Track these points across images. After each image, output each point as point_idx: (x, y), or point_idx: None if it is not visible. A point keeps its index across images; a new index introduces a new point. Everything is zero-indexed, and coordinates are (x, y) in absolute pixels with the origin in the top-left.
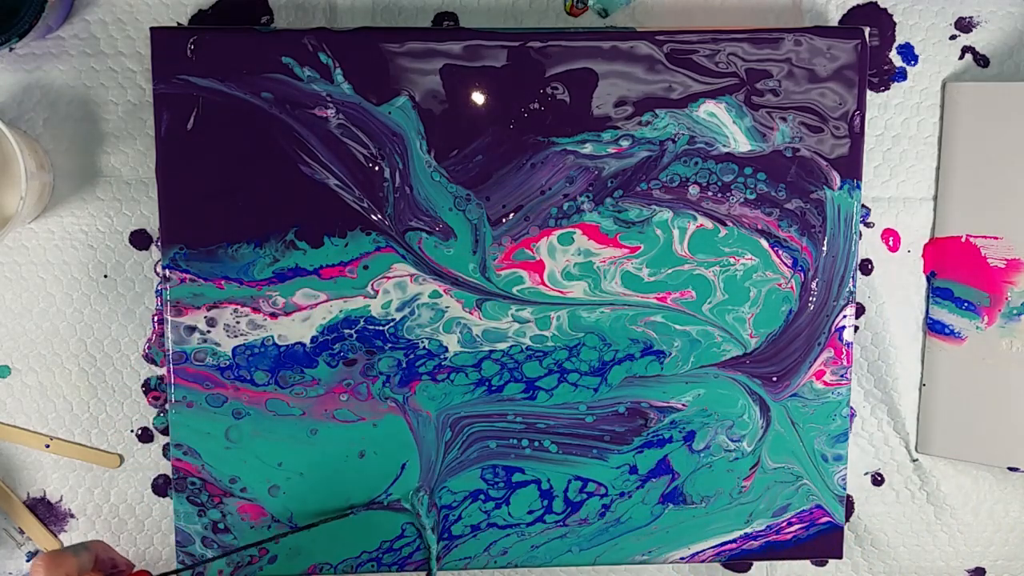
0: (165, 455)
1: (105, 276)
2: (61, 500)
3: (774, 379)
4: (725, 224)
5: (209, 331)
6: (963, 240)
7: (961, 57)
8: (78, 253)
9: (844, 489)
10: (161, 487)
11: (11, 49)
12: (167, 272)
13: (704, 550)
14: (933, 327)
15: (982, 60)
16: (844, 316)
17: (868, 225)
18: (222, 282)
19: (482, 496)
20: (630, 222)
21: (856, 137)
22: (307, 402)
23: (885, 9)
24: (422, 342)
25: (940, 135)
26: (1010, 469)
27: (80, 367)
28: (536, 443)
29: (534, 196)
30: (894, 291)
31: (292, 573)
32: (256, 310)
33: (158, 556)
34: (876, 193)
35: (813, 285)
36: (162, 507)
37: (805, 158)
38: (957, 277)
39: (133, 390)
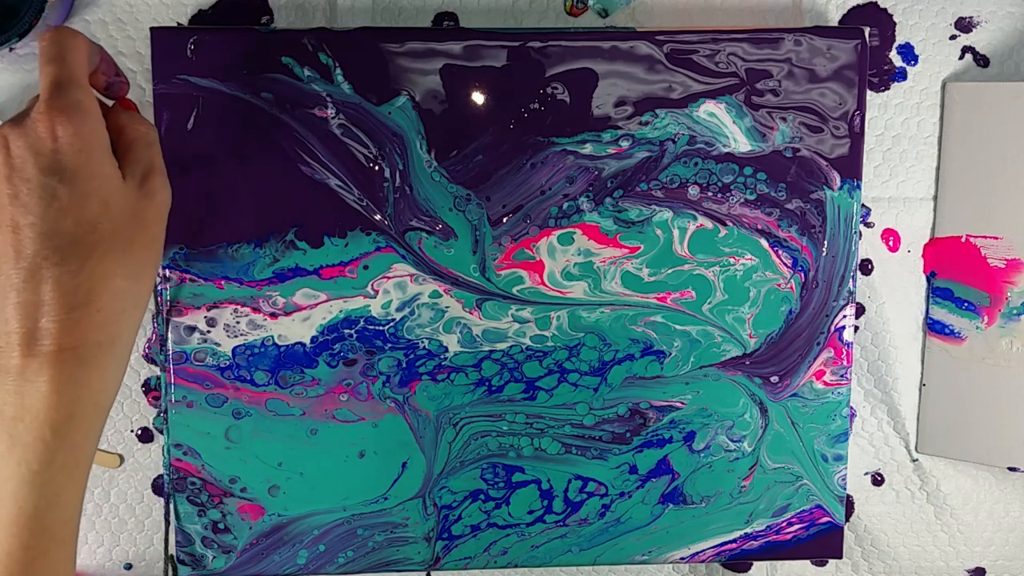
0: None
1: None
2: None
3: (774, 379)
4: (725, 224)
5: (209, 331)
6: (963, 240)
7: (961, 57)
8: None
9: (844, 489)
10: (161, 487)
11: (11, 49)
12: (167, 272)
13: (704, 550)
14: (933, 327)
15: (982, 60)
16: (844, 316)
17: (868, 225)
18: (222, 282)
19: (482, 496)
20: (630, 222)
21: (856, 137)
22: (307, 402)
23: (885, 9)
24: (422, 342)
25: (940, 135)
26: (1010, 469)
27: None
28: (536, 443)
29: (534, 196)
30: (894, 291)
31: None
32: (256, 310)
33: (158, 556)
34: (876, 193)
35: (813, 285)
36: (162, 507)
37: (805, 158)
38: (957, 277)
39: (133, 390)
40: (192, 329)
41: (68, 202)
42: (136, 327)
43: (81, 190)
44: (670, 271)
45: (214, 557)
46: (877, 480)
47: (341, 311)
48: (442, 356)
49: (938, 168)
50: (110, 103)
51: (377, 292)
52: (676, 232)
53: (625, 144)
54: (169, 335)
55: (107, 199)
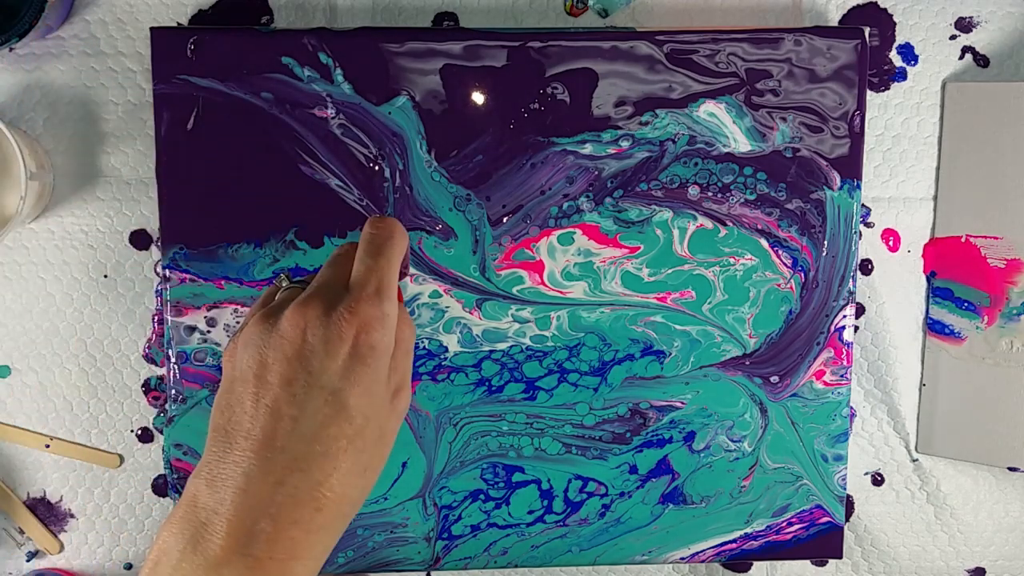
0: None
1: (105, 276)
2: (61, 500)
3: (774, 379)
4: (725, 224)
5: (209, 331)
6: (963, 240)
7: (961, 57)
8: (78, 253)
9: (844, 489)
10: (161, 487)
11: (11, 49)
12: (167, 272)
13: (704, 550)
14: (933, 327)
15: (982, 60)
16: (844, 316)
17: (868, 225)
18: (222, 282)
19: (482, 496)
20: (630, 222)
21: (856, 137)
22: None
23: (885, 9)
24: (422, 342)
25: (940, 135)
26: (1010, 469)
27: (80, 367)
28: (536, 443)
29: (534, 196)
30: (894, 291)
31: None
32: None
33: None
34: (876, 193)
35: (813, 285)
36: (162, 507)
37: (805, 158)
38: (957, 277)
39: (133, 390)
40: (192, 329)
41: (337, 414)
42: (341, 534)
43: (353, 405)
44: (670, 271)
45: None
46: (877, 480)
47: None
48: (442, 356)
49: (938, 168)
50: None
51: None
52: (676, 232)
53: (625, 144)
54: (169, 335)
55: (370, 417)
